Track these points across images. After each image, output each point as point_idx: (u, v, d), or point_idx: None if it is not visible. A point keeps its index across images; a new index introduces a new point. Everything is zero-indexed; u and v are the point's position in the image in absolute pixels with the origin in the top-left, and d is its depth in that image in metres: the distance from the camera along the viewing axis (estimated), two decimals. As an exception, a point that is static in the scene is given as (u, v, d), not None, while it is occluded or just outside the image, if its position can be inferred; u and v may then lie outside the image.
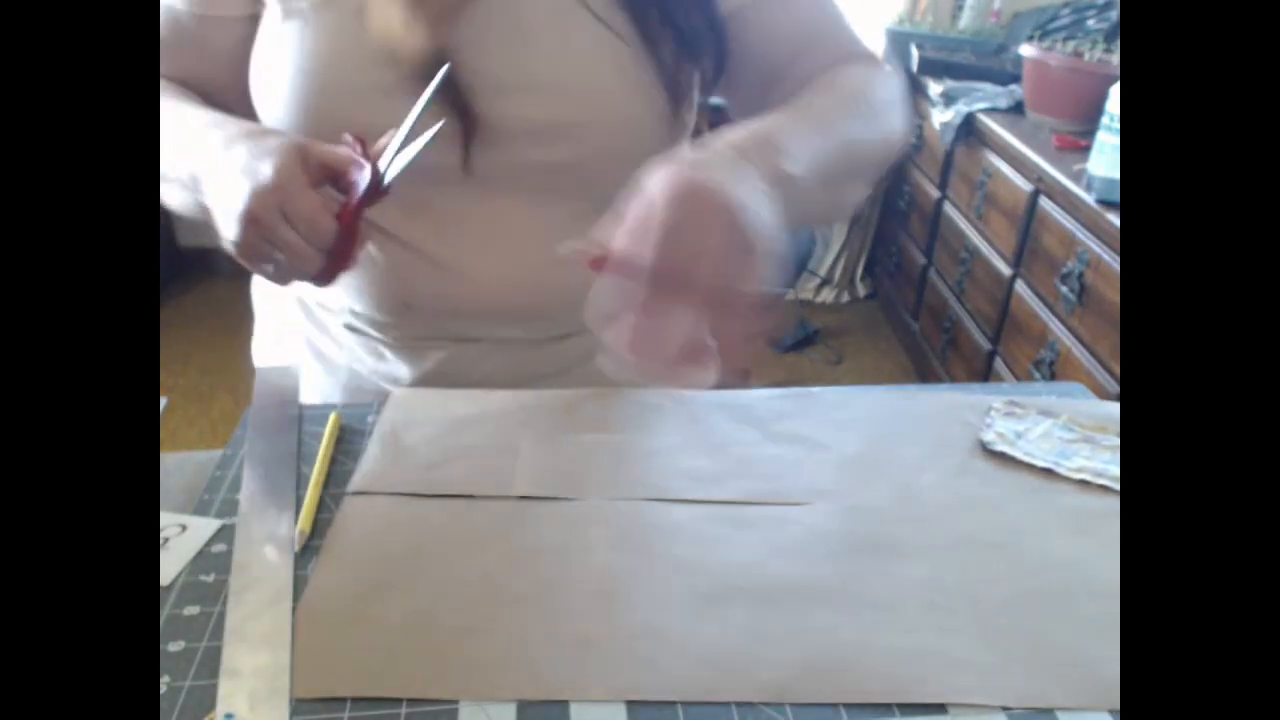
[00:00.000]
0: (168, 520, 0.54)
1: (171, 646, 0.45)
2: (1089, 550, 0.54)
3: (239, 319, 2.80)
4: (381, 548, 0.52)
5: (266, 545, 0.52)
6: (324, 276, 0.58)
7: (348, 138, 0.58)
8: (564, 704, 0.43)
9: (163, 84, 0.70)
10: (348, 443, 0.62)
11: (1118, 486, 0.59)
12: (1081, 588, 0.51)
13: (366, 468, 0.58)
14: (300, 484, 0.57)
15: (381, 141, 0.58)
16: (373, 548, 0.52)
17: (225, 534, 0.53)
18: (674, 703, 0.43)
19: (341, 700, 0.42)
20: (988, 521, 0.56)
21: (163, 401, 0.62)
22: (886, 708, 0.43)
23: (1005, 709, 0.43)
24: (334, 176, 0.57)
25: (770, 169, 0.54)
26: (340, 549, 0.52)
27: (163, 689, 0.42)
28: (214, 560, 0.51)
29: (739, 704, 0.43)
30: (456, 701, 0.43)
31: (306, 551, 0.52)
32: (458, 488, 0.57)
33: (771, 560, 0.52)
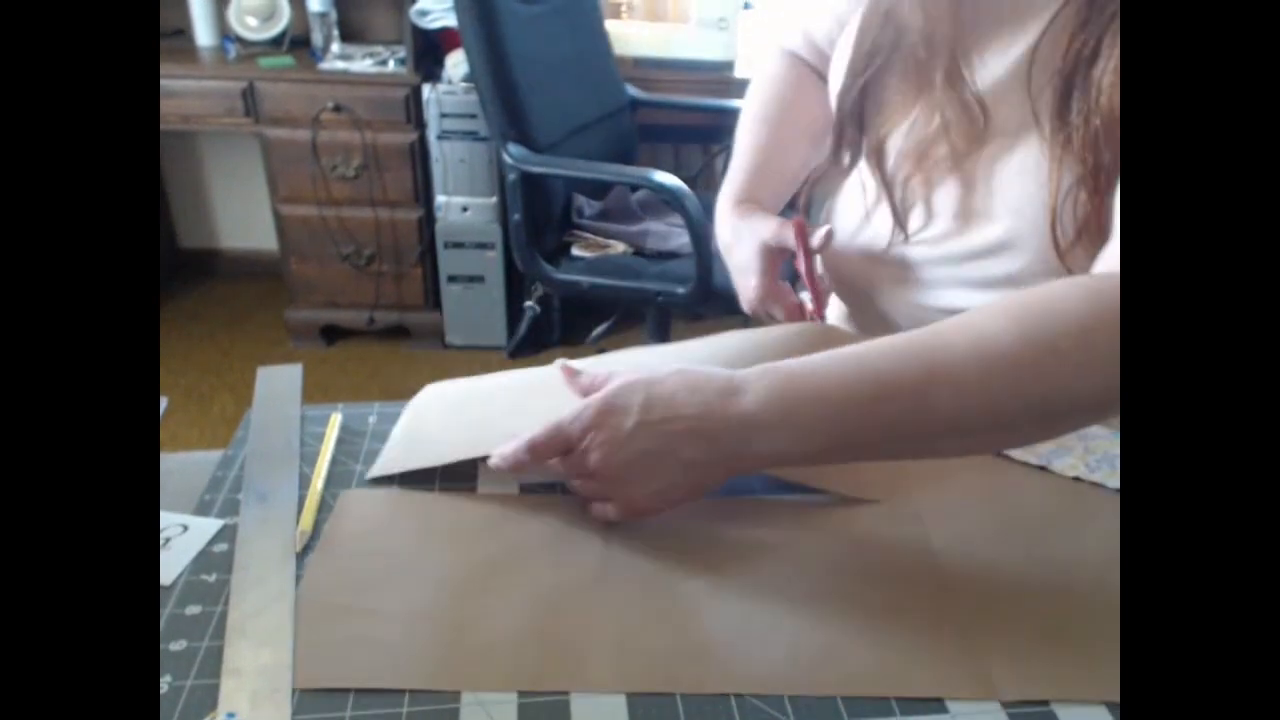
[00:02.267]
0: (169, 520, 0.54)
1: (173, 646, 0.45)
2: (1084, 546, 0.54)
3: (239, 319, 2.81)
4: (378, 542, 0.52)
5: (268, 545, 0.52)
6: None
7: (795, 219, 0.74)
8: (565, 698, 0.43)
9: (779, 60, 0.85)
10: (348, 443, 0.62)
11: (1109, 483, 0.59)
12: (1077, 583, 0.51)
13: (386, 454, 0.60)
14: (301, 484, 0.57)
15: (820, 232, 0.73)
16: (369, 542, 0.52)
17: (227, 534, 0.53)
18: (673, 694, 0.43)
19: (343, 697, 0.43)
20: (983, 518, 0.56)
21: (163, 402, 0.62)
22: (886, 704, 0.43)
23: (1003, 704, 0.43)
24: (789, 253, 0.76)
25: (733, 431, 0.49)
26: (337, 542, 0.52)
27: (164, 688, 0.43)
28: (215, 560, 0.51)
29: (737, 696, 0.43)
30: (458, 697, 0.43)
31: (308, 551, 0.52)
32: (464, 452, 0.58)
33: (769, 553, 0.52)
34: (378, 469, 0.59)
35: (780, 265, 0.76)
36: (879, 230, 0.71)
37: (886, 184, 0.68)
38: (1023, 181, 0.59)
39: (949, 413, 0.47)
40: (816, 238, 0.72)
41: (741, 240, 0.77)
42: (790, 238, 0.73)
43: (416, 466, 0.58)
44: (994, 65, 0.61)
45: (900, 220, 0.69)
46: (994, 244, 0.63)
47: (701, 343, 0.67)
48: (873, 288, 0.74)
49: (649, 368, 0.53)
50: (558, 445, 0.52)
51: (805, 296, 0.76)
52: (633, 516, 0.53)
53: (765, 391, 0.49)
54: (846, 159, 0.72)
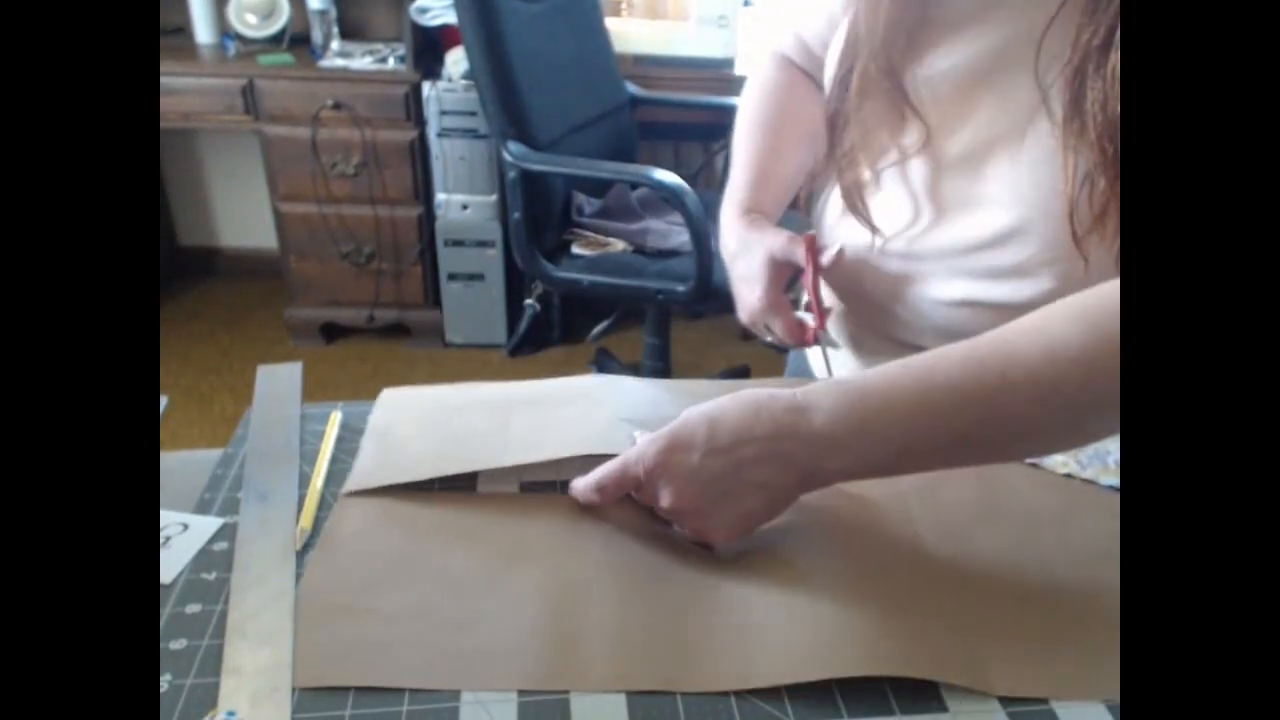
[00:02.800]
0: (169, 519, 0.54)
1: (173, 644, 0.45)
2: (1078, 543, 0.54)
3: (239, 318, 2.81)
4: (377, 542, 0.52)
5: (268, 543, 0.52)
6: (809, 343, 0.76)
7: (807, 235, 0.74)
8: (565, 697, 0.43)
9: (771, 65, 0.86)
10: (348, 442, 0.62)
11: (1101, 480, 0.59)
12: (1073, 581, 0.51)
13: (360, 467, 0.59)
14: (301, 483, 0.57)
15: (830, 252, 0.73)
16: (369, 541, 0.52)
17: (227, 532, 0.53)
18: (673, 694, 0.43)
19: (343, 695, 0.43)
20: (975, 515, 0.56)
21: (163, 401, 0.62)
22: (886, 704, 0.43)
23: (1003, 703, 0.43)
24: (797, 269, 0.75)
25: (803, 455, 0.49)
26: (336, 543, 0.52)
27: (165, 687, 0.43)
28: (215, 558, 0.51)
29: (737, 696, 0.43)
30: (458, 697, 0.43)
31: (307, 550, 0.52)
32: (451, 466, 0.57)
33: (767, 553, 0.52)
34: (353, 484, 0.57)
35: (786, 279, 0.76)
36: (860, 227, 0.71)
37: (841, 178, 0.69)
38: (1033, 171, 0.59)
39: (1023, 419, 0.48)
40: (827, 256, 0.72)
41: (749, 251, 0.76)
42: (800, 253, 0.73)
43: (395, 481, 0.57)
44: (940, 65, 0.62)
45: (858, 212, 0.69)
46: (1001, 234, 0.63)
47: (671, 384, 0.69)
48: (866, 283, 0.74)
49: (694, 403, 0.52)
50: (626, 485, 0.53)
51: (806, 314, 0.75)
52: (715, 546, 0.53)
53: (836, 408, 0.49)
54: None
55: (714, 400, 0.51)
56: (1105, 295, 0.48)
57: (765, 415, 0.49)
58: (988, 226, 0.63)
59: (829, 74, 0.72)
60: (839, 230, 0.75)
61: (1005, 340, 0.49)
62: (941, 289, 0.69)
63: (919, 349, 0.72)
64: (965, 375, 0.48)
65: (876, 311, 0.75)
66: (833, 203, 0.77)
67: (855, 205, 0.70)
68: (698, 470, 0.50)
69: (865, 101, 0.66)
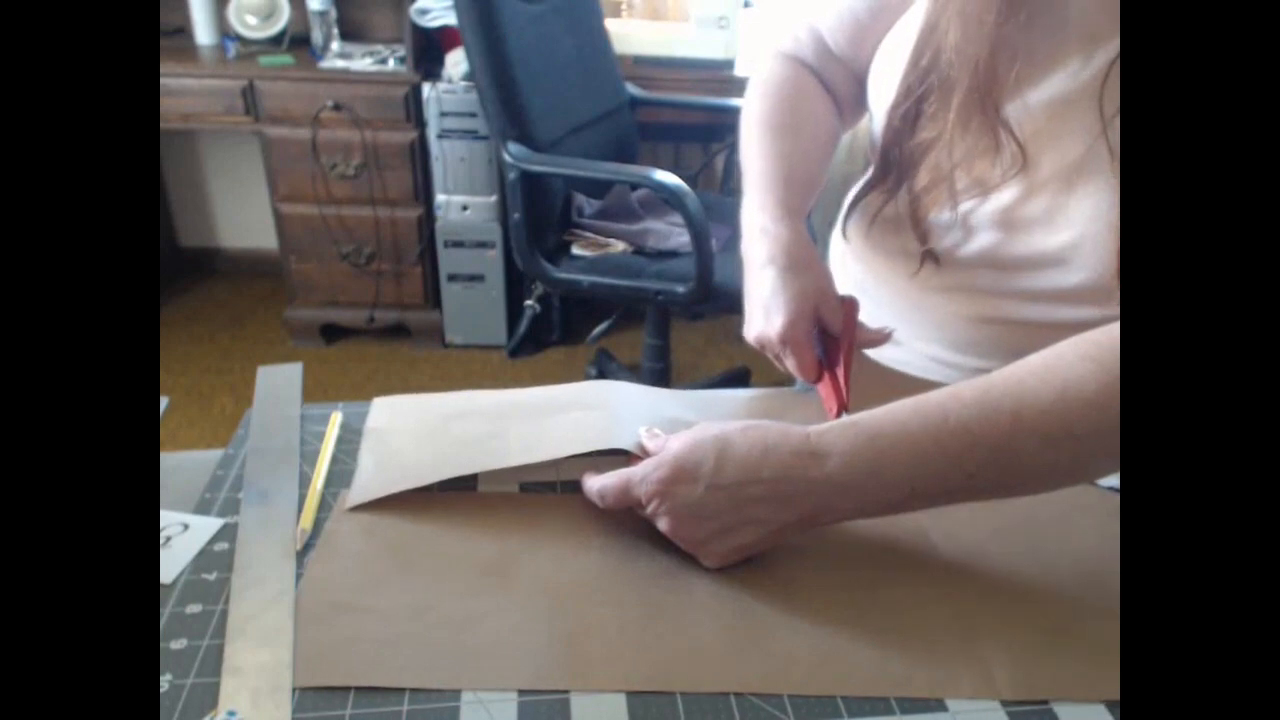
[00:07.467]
0: (169, 519, 0.54)
1: (174, 644, 0.45)
2: (1080, 544, 0.54)
3: (239, 318, 2.80)
4: (377, 541, 0.52)
5: (268, 544, 0.52)
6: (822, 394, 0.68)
7: (850, 299, 0.69)
8: (565, 696, 0.43)
9: (780, 64, 0.81)
10: (348, 442, 0.62)
11: (1102, 481, 0.59)
12: (1075, 582, 0.51)
13: (359, 481, 0.58)
14: (301, 483, 0.57)
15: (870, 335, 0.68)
16: (369, 541, 0.52)
17: (227, 532, 0.53)
18: (673, 694, 0.43)
19: (343, 695, 0.43)
20: (980, 516, 0.56)
21: (163, 401, 0.62)
22: (886, 704, 0.43)
23: (1003, 703, 0.43)
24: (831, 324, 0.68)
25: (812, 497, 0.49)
26: (337, 541, 0.52)
27: (165, 687, 0.43)
28: (216, 558, 0.51)
29: (737, 695, 0.43)
30: (458, 696, 0.43)
31: (308, 550, 0.52)
32: (451, 469, 0.57)
33: (768, 552, 0.52)
34: (354, 498, 0.56)
35: (815, 321, 0.68)
36: (911, 240, 0.69)
37: (913, 200, 0.66)
38: (1094, 204, 0.58)
39: (1033, 461, 0.48)
40: (876, 338, 0.68)
41: (790, 274, 0.68)
42: (838, 317, 0.67)
43: (395, 490, 0.57)
44: (1039, 94, 0.59)
45: (922, 236, 0.67)
46: (1051, 259, 0.61)
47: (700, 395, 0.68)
48: (908, 296, 0.71)
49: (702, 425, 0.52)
50: (627, 501, 0.53)
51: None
52: (711, 565, 0.52)
53: (848, 453, 0.49)
54: (894, 176, 0.68)
55: (723, 427, 0.51)
56: (1117, 335, 0.47)
57: (774, 457, 0.49)
58: (1039, 252, 0.62)
59: (880, 97, 0.68)
60: (882, 245, 0.72)
61: (1018, 380, 0.49)
62: (976, 305, 0.67)
63: (933, 354, 0.71)
64: (979, 418, 0.48)
65: (900, 315, 0.73)
66: (879, 223, 0.73)
67: (925, 235, 0.67)
68: (699, 503, 0.50)
69: (957, 132, 0.62)
